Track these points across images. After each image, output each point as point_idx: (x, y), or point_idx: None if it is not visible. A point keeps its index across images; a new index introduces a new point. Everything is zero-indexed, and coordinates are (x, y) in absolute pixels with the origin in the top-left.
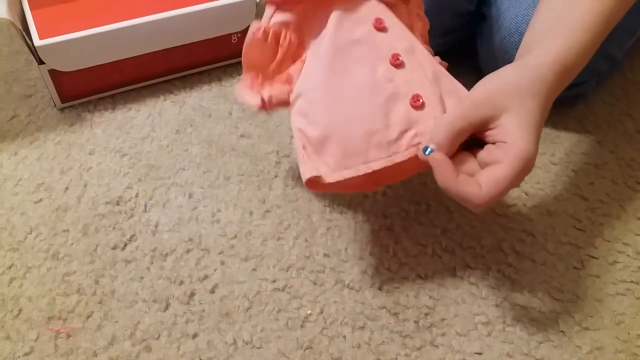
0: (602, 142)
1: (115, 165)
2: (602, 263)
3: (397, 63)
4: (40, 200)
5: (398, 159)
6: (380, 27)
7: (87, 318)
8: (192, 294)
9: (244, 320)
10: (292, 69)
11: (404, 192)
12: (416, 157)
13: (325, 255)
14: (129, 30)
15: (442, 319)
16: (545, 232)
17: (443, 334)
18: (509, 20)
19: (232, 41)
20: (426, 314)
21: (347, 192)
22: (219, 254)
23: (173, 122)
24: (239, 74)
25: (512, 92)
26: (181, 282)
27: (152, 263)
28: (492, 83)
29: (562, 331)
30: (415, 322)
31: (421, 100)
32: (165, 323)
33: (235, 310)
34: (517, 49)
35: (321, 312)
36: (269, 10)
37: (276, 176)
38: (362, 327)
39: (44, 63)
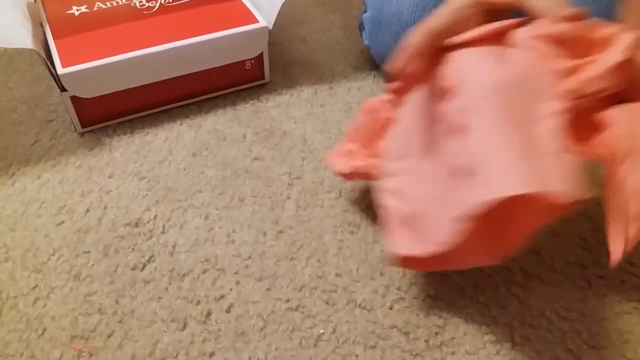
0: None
1: (134, 188)
2: (609, 282)
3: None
4: (63, 222)
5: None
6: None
7: (108, 337)
8: (208, 314)
9: (259, 340)
10: (384, 145)
11: None
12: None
13: (337, 275)
14: (147, 58)
15: (452, 338)
16: (552, 251)
17: (453, 353)
18: None
19: (246, 67)
20: (436, 333)
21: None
22: (234, 274)
23: (189, 145)
24: (252, 99)
25: None
26: (198, 302)
27: (170, 283)
28: None
29: (569, 349)
30: (425, 341)
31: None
32: (183, 342)
33: (250, 330)
34: None
35: (334, 332)
36: (385, 94)
37: (288, 197)
38: (374, 346)
39: (66, 90)
